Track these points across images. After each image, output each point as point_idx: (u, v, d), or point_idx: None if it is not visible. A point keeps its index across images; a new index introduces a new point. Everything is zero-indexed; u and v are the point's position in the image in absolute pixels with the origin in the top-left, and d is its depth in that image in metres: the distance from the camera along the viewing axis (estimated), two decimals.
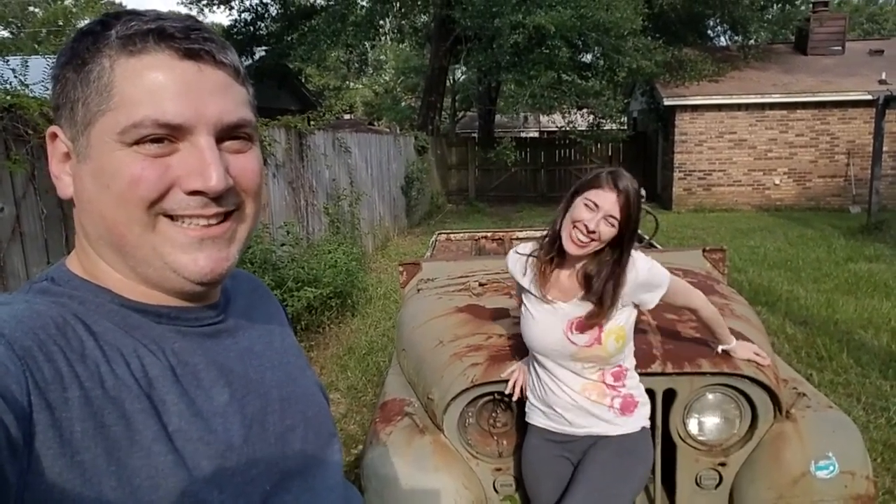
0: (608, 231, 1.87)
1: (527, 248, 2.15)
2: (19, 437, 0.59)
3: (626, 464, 2.01)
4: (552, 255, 2.01)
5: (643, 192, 2.00)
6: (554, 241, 2.00)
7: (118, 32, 0.71)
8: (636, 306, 2.04)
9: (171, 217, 0.73)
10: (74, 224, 0.79)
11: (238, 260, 0.81)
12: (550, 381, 2.05)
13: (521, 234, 5.11)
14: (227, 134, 0.75)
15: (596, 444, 2.04)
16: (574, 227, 1.89)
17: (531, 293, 2.07)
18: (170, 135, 0.71)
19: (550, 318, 2.01)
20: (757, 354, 2.23)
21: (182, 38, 0.71)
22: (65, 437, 0.63)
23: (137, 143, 0.70)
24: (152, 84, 0.70)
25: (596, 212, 1.86)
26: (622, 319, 1.98)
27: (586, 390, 2.02)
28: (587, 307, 1.96)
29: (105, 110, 0.70)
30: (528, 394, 2.17)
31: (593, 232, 1.86)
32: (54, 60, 0.75)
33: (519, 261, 2.14)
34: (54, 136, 0.75)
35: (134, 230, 0.72)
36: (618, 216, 1.86)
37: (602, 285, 1.93)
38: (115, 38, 0.71)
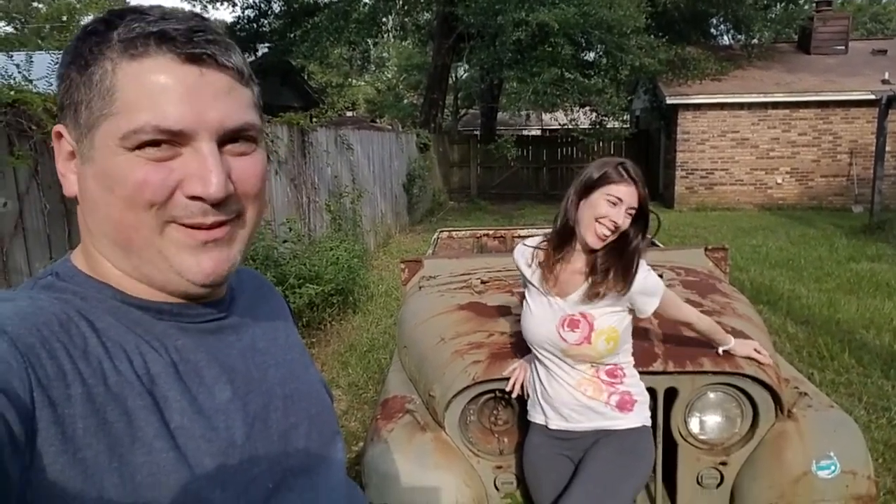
0: (627, 222, 1.92)
1: (535, 240, 2.16)
2: (21, 434, 0.59)
3: (628, 461, 2.01)
4: (563, 250, 2.02)
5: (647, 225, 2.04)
6: (565, 235, 2.01)
7: (120, 35, 0.70)
8: (631, 312, 2.04)
9: (175, 222, 0.73)
10: (78, 220, 0.79)
11: (241, 260, 0.80)
12: (548, 375, 2.07)
13: (523, 232, 5.11)
14: (229, 138, 0.75)
15: (597, 441, 2.04)
16: (598, 222, 1.90)
17: (533, 285, 2.09)
18: (171, 139, 0.70)
19: (546, 311, 2.03)
20: (757, 351, 2.24)
21: (184, 41, 0.70)
22: (67, 433, 0.63)
23: (139, 147, 0.69)
24: (153, 89, 0.69)
25: (619, 206, 1.90)
26: (614, 320, 1.99)
27: (581, 385, 2.02)
28: (582, 304, 1.98)
29: (108, 114, 0.69)
30: (529, 391, 2.18)
31: (606, 222, 1.89)
32: (60, 58, 0.75)
33: (526, 252, 2.15)
34: (60, 134, 0.75)
35: (142, 232, 0.72)
36: (637, 210, 1.92)
37: (608, 265, 1.96)
38: (116, 41, 0.70)
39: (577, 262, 2.02)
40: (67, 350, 0.67)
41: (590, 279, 1.98)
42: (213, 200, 0.72)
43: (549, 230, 2.12)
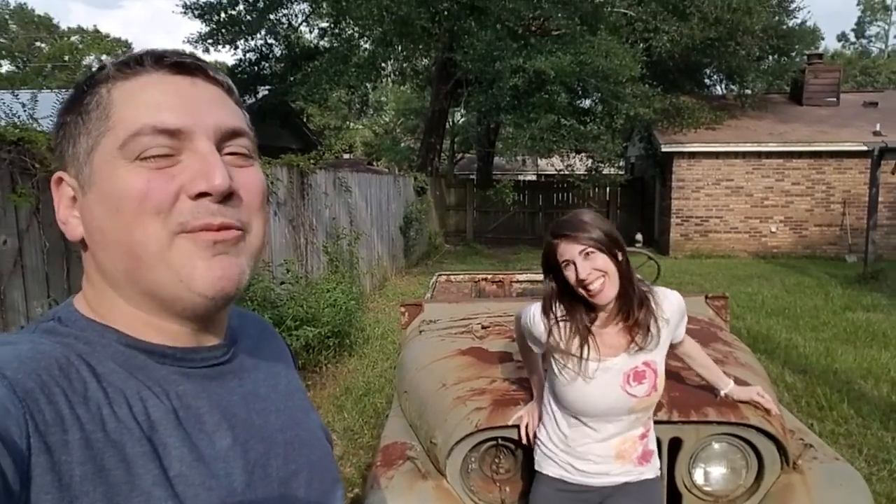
0: (597, 260, 1.84)
1: (538, 311, 2.03)
2: (16, 481, 0.58)
3: None
4: (583, 314, 1.94)
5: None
6: (574, 302, 1.95)
7: (113, 63, 0.74)
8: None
9: (185, 232, 0.73)
10: (84, 263, 0.79)
11: (251, 275, 0.80)
12: (584, 437, 1.99)
13: (521, 277, 5.11)
14: (225, 141, 0.76)
15: (613, 494, 2.01)
16: (583, 290, 1.86)
17: (577, 356, 1.94)
18: (170, 146, 0.71)
19: (605, 376, 1.92)
20: (760, 395, 2.22)
21: (174, 56, 0.74)
22: (64, 480, 0.62)
23: (140, 157, 0.70)
24: (148, 98, 0.72)
25: (572, 262, 1.85)
26: (663, 359, 2.00)
27: (625, 443, 1.99)
28: (638, 354, 1.94)
29: (105, 132, 0.71)
30: (541, 441, 2.11)
31: (588, 276, 1.83)
32: (59, 108, 0.77)
33: (542, 325, 2.01)
34: (60, 180, 0.76)
35: (150, 249, 0.71)
36: (588, 247, 1.84)
37: (635, 306, 1.91)
38: (110, 67, 0.74)
39: (601, 317, 1.95)
40: (66, 395, 0.66)
41: (633, 325, 1.92)
42: (219, 193, 0.72)
43: (549, 300, 2.04)
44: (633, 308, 1.91)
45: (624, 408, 1.94)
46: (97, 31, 43.40)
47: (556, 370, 1.99)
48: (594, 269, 1.83)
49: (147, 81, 0.73)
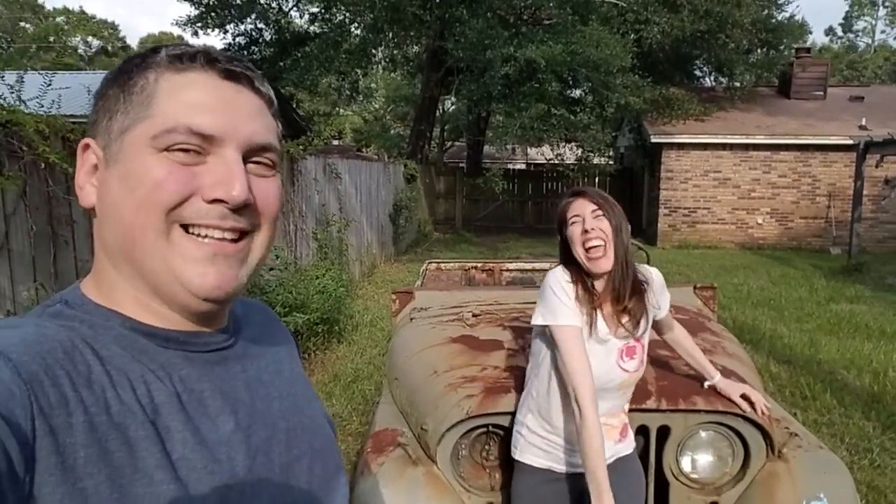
0: (603, 223, 1.91)
1: (566, 276, 2.00)
2: (21, 463, 0.58)
3: (636, 484, 2.10)
4: (594, 293, 1.96)
5: (627, 227, 2.05)
6: (582, 279, 1.97)
7: (168, 52, 0.75)
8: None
9: (186, 227, 0.74)
10: (94, 240, 0.79)
11: (247, 283, 0.81)
12: (573, 419, 1.98)
13: (511, 266, 5.12)
14: (253, 154, 0.77)
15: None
16: (581, 245, 1.92)
17: (587, 324, 1.96)
18: (200, 146, 0.73)
19: (603, 348, 1.96)
20: (744, 398, 2.21)
21: (226, 60, 0.75)
22: (67, 463, 0.62)
23: (168, 149, 0.71)
24: (191, 97, 0.73)
25: (581, 218, 1.93)
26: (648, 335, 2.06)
27: (611, 418, 2.02)
28: (636, 330, 1.98)
29: (143, 118, 0.72)
30: (525, 429, 2.08)
31: (591, 231, 1.90)
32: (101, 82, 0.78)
33: (569, 290, 1.98)
34: (86, 147, 0.77)
35: (148, 236, 0.72)
36: (598, 208, 1.93)
37: (628, 292, 1.96)
38: (163, 56, 0.75)
39: (609, 303, 1.98)
40: (71, 378, 0.66)
41: (624, 302, 1.96)
42: (235, 204, 0.74)
43: (546, 265, 2.11)
44: (626, 292, 1.95)
45: (616, 382, 1.97)
46: (83, 12, 42.87)
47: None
48: (599, 229, 1.90)
49: (194, 80, 0.74)
